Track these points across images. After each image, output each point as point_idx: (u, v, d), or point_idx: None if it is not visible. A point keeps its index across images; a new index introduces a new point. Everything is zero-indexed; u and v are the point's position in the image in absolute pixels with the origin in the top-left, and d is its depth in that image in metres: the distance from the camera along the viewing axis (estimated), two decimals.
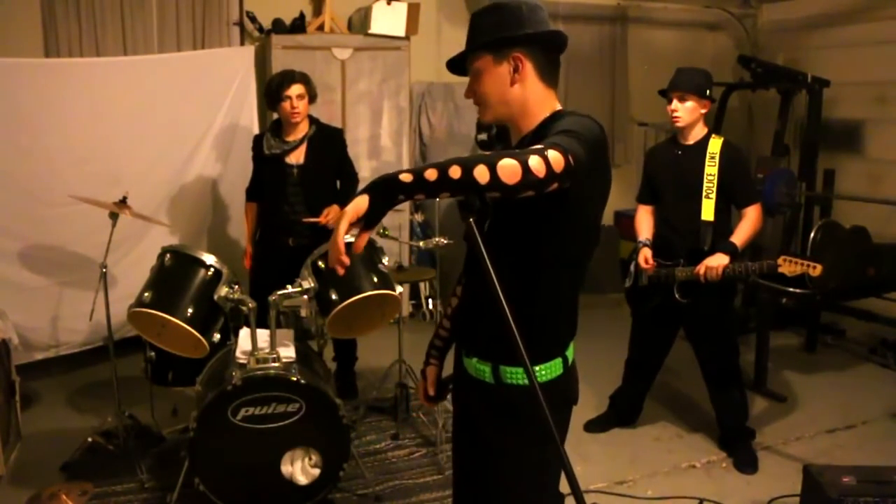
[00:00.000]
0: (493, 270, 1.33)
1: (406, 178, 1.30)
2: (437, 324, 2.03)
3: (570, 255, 1.63)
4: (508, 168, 1.29)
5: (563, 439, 1.70)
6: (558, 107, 1.67)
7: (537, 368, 1.63)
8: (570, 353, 1.73)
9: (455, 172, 1.29)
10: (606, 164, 1.60)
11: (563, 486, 1.22)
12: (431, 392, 1.96)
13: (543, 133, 1.57)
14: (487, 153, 1.34)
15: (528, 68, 1.62)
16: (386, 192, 1.31)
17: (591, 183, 1.52)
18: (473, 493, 1.85)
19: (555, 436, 1.24)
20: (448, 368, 1.93)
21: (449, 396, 1.95)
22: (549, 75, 1.66)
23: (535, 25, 1.62)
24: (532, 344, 1.62)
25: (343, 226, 1.30)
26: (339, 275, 1.42)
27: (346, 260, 1.35)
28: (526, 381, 1.64)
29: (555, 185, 1.35)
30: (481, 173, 1.29)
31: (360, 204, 1.30)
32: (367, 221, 1.32)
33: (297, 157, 3.63)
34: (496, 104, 1.65)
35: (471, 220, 1.33)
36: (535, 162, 1.30)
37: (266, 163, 3.65)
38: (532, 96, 1.63)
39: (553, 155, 1.33)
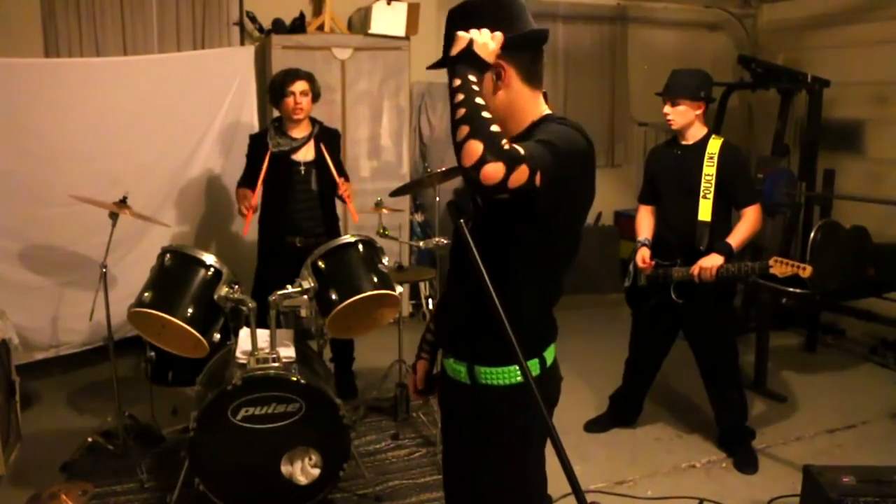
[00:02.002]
0: (474, 269, 1.34)
1: (455, 82, 1.48)
2: (429, 318, 2.04)
3: (544, 259, 1.63)
4: (471, 150, 1.37)
5: (545, 438, 1.71)
6: (546, 109, 1.65)
7: (514, 368, 1.63)
8: (548, 354, 1.71)
9: (458, 113, 1.43)
10: (587, 175, 1.60)
11: (563, 486, 1.22)
12: (420, 386, 1.98)
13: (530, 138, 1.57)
14: (489, 128, 1.40)
15: (511, 74, 1.59)
16: (467, 61, 1.51)
17: (563, 193, 1.52)
18: (460, 495, 1.86)
19: (552, 434, 1.24)
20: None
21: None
22: (534, 76, 1.63)
23: (517, 26, 1.58)
24: (507, 343, 1.63)
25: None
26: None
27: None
28: (500, 382, 1.65)
29: (504, 196, 1.40)
30: (460, 132, 1.41)
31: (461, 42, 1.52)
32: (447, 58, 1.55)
33: (304, 155, 3.63)
34: None
35: (461, 221, 1.34)
36: (492, 167, 1.36)
37: (271, 161, 3.60)
38: (518, 100, 1.61)
39: (520, 170, 1.38)
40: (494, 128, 1.40)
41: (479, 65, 1.50)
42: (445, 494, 1.92)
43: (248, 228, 3.59)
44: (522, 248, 1.59)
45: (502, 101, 1.61)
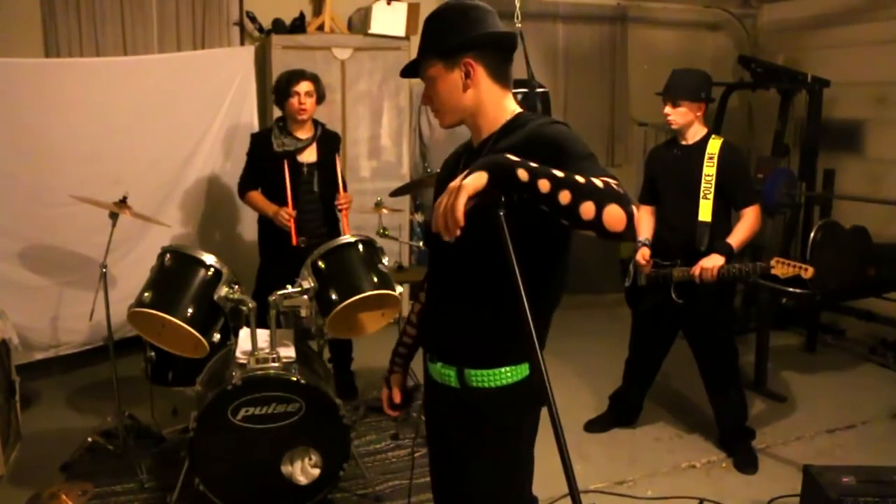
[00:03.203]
0: (469, 270, 1.29)
1: (523, 175, 1.29)
2: (400, 330, 2.03)
3: (547, 260, 1.63)
4: (615, 215, 1.30)
5: (534, 438, 1.74)
6: (516, 108, 1.67)
7: (505, 370, 1.64)
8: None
9: (564, 198, 1.29)
10: None
11: (562, 487, 1.22)
12: (397, 400, 1.97)
13: (508, 136, 1.57)
14: (597, 185, 1.31)
15: (480, 72, 1.61)
16: (503, 181, 1.30)
17: None
18: (452, 496, 1.86)
19: (556, 429, 1.24)
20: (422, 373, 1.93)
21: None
22: (503, 76, 1.65)
23: (483, 28, 1.61)
24: (503, 345, 1.61)
25: (463, 197, 1.28)
26: (447, 240, 1.33)
27: (458, 230, 1.31)
28: (491, 384, 1.65)
29: None
30: (587, 210, 1.29)
31: (479, 181, 1.29)
32: (482, 198, 1.31)
33: (308, 157, 3.63)
34: (452, 110, 1.65)
35: (500, 213, 1.30)
36: (636, 214, 1.33)
37: (275, 161, 3.60)
38: (487, 99, 1.63)
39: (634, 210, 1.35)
40: (595, 182, 1.33)
41: (505, 177, 1.32)
42: (434, 497, 1.92)
43: (295, 238, 3.54)
44: (531, 248, 1.57)
45: (472, 99, 1.63)
